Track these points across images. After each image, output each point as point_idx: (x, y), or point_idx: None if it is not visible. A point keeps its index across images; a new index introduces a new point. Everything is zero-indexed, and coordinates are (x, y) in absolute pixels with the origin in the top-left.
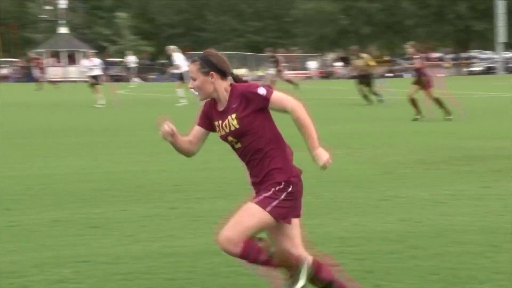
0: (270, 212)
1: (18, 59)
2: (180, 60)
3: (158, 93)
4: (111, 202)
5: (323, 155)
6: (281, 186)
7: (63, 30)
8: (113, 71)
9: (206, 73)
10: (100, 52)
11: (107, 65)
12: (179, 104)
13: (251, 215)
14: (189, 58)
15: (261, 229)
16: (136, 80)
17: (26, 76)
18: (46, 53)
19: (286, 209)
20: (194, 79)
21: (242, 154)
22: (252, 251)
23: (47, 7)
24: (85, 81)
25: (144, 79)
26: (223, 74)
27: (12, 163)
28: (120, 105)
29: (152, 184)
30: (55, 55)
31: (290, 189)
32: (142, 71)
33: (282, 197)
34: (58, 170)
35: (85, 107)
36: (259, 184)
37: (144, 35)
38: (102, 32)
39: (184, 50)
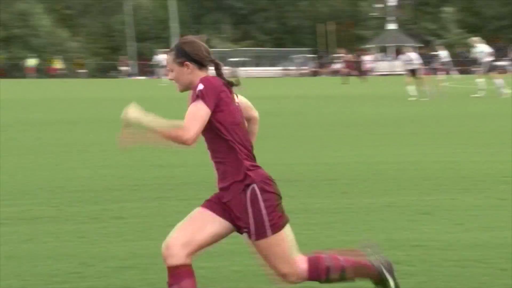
0: None
1: (345, 54)
2: (483, 51)
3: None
4: (440, 190)
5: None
6: None
7: (391, 26)
8: (435, 65)
9: (181, 64)
10: (426, 46)
11: (430, 58)
12: (477, 95)
13: None
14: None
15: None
16: (452, 73)
17: (354, 70)
18: (375, 48)
19: None
20: (171, 70)
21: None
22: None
23: (377, 5)
24: (404, 74)
25: (463, 72)
26: (200, 64)
27: (345, 151)
28: (445, 97)
29: (481, 174)
30: (383, 50)
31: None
32: (459, 64)
33: None
34: (383, 158)
35: (399, 99)
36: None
37: (469, 29)
38: (428, 27)
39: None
